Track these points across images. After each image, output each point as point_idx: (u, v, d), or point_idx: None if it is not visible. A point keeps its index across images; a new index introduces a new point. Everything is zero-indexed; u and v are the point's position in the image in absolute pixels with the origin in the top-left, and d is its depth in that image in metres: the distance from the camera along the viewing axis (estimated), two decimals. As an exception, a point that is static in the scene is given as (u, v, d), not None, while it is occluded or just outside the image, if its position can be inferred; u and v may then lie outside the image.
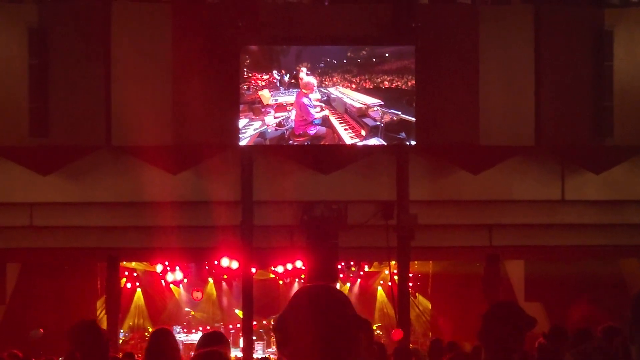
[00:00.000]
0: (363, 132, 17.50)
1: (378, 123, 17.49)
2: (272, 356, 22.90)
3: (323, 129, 17.47)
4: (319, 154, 17.60)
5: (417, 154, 17.86)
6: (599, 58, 17.66)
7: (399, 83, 17.49)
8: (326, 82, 17.44)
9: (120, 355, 16.48)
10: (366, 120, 17.52)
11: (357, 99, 17.56)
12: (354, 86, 17.52)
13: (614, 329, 9.69)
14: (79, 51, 17.07)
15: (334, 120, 17.49)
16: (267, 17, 17.20)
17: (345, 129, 17.48)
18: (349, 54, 17.55)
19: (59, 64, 17.00)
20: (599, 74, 17.64)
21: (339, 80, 17.45)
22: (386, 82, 17.51)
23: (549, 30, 17.69)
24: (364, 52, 17.61)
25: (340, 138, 17.49)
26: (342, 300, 3.20)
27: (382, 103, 17.49)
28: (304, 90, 17.31)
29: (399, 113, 17.48)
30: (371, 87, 17.53)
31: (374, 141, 17.56)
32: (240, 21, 16.96)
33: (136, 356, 15.65)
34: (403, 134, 17.47)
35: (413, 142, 17.38)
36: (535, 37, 17.70)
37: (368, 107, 17.54)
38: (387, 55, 17.61)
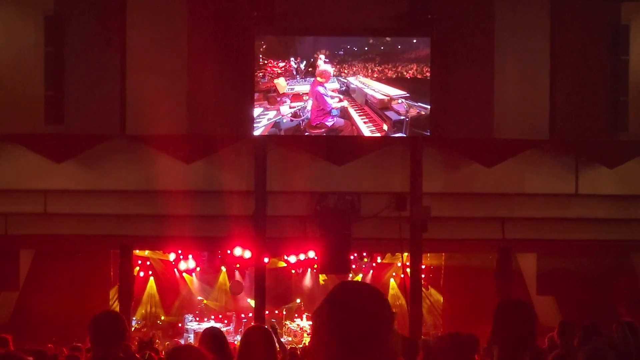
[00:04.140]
0: (385, 127, 16.63)
1: (402, 117, 16.56)
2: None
3: (341, 121, 16.71)
4: (332, 145, 17.45)
5: (431, 146, 17.79)
6: (615, 52, 17.56)
7: (428, 74, 16.43)
8: (345, 71, 16.54)
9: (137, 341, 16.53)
10: (389, 113, 16.61)
11: (379, 90, 16.55)
12: (375, 75, 16.53)
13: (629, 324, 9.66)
14: (95, 39, 17.06)
15: (353, 112, 16.61)
16: (281, 6, 17.16)
17: (365, 122, 16.60)
18: (370, 41, 16.59)
19: (74, 52, 17.00)
20: (614, 67, 17.55)
21: (359, 69, 16.48)
22: (413, 72, 16.46)
23: (565, 23, 17.60)
24: (387, 39, 16.58)
25: (359, 131, 16.68)
26: (374, 300, 3.10)
27: (408, 95, 16.57)
28: (319, 79, 16.64)
29: (428, 107, 16.60)
30: (394, 76, 16.51)
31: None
32: (255, 11, 16.92)
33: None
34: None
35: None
36: (551, 30, 17.60)
37: (391, 99, 16.61)
38: (414, 41, 16.54)
